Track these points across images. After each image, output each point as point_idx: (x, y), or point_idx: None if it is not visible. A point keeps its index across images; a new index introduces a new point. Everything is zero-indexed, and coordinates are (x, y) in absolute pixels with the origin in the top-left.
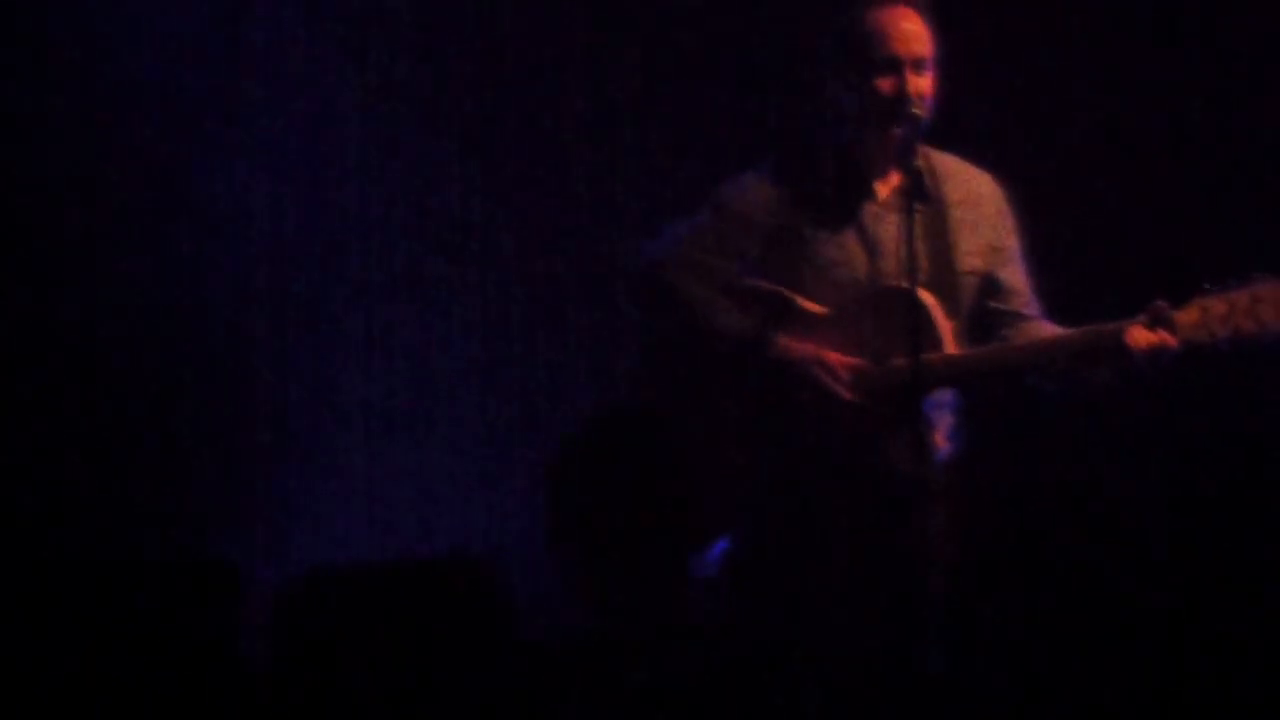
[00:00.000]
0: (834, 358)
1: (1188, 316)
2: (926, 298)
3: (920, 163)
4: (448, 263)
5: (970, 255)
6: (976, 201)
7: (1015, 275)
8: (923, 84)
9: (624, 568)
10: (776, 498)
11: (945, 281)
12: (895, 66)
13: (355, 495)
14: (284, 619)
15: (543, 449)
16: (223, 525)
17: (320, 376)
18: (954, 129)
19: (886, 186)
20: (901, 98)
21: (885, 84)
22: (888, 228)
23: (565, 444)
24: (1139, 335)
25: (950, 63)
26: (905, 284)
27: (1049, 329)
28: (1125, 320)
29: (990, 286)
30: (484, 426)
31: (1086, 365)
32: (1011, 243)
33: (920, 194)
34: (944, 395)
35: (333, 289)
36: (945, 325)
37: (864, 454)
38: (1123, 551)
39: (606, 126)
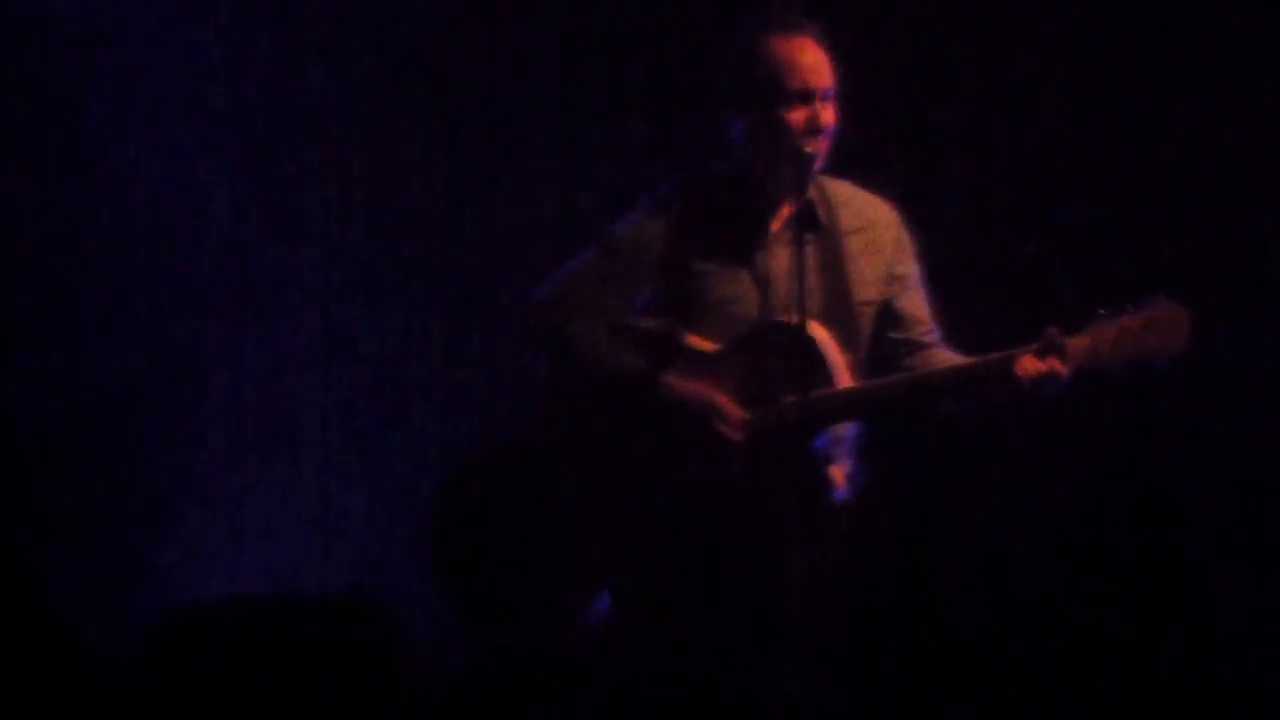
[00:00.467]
0: (722, 398)
1: (1079, 343)
2: (818, 331)
3: (815, 193)
4: (343, 297)
5: (866, 285)
6: (873, 229)
7: (913, 303)
8: (828, 115)
9: (511, 605)
10: (663, 538)
11: (841, 313)
12: (805, 98)
13: (238, 527)
14: (157, 654)
15: (431, 484)
16: (106, 553)
17: (202, 410)
18: (849, 156)
19: (780, 219)
20: (810, 129)
21: (795, 115)
22: (780, 261)
23: (451, 480)
24: (1028, 364)
25: (847, 90)
26: (794, 319)
27: (947, 357)
28: (1017, 348)
29: (888, 316)
30: (374, 459)
31: (976, 393)
32: (909, 270)
33: (812, 225)
34: (845, 432)
35: (234, 315)
36: (839, 359)
37: (753, 495)
38: (1020, 594)
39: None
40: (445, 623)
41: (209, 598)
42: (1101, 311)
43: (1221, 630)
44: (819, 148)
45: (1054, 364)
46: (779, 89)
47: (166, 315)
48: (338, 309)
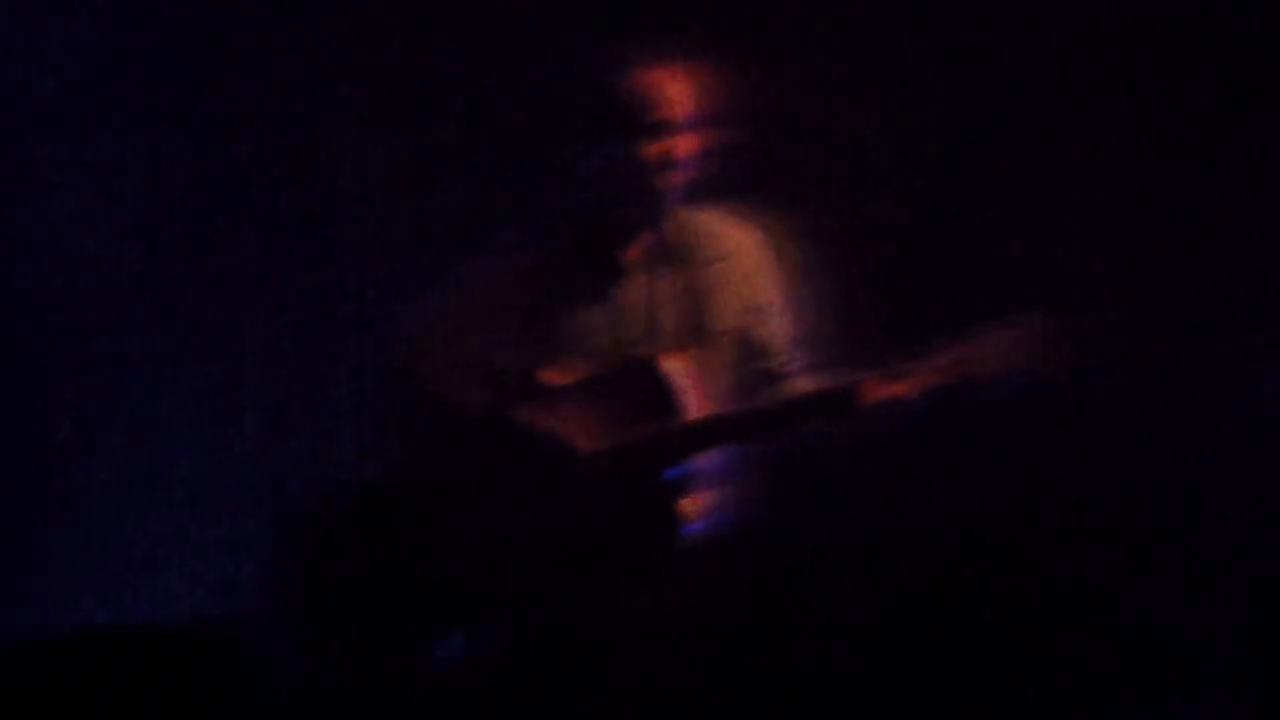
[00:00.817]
0: (575, 432)
1: (928, 365)
2: (671, 364)
3: (675, 223)
4: (190, 324)
5: (726, 315)
6: (734, 258)
7: (775, 332)
8: (688, 146)
9: (362, 640)
10: (517, 577)
11: (700, 343)
12: (663, 129)
13: (83, 557)
14: None
15: (283, 515)
16: None
17: (46, 430)
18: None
19: (637, 249)
20: (667, 162)
21: (653, 148)
22: (636, 293)
23: (305, 512)
24: (873, 389)
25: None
26: (647, 351)
27: (804, 384)
28: (863, 373)
29: (750, 345)
30: (223, 490)
31: (825, 420)
32: (772, 298)
33: (669, 255)
34: (705, 465)
35: (82, 329)
36: (693, 390)
37: (605, 531)
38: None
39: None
40: (296, 656)
41: (50, 626)
42: (947, 335)
43: (1123, 649)
44: (676, 180)
45: (901, 389)
46: (635, 121)
47: (12, 328)
48: (194, 328)
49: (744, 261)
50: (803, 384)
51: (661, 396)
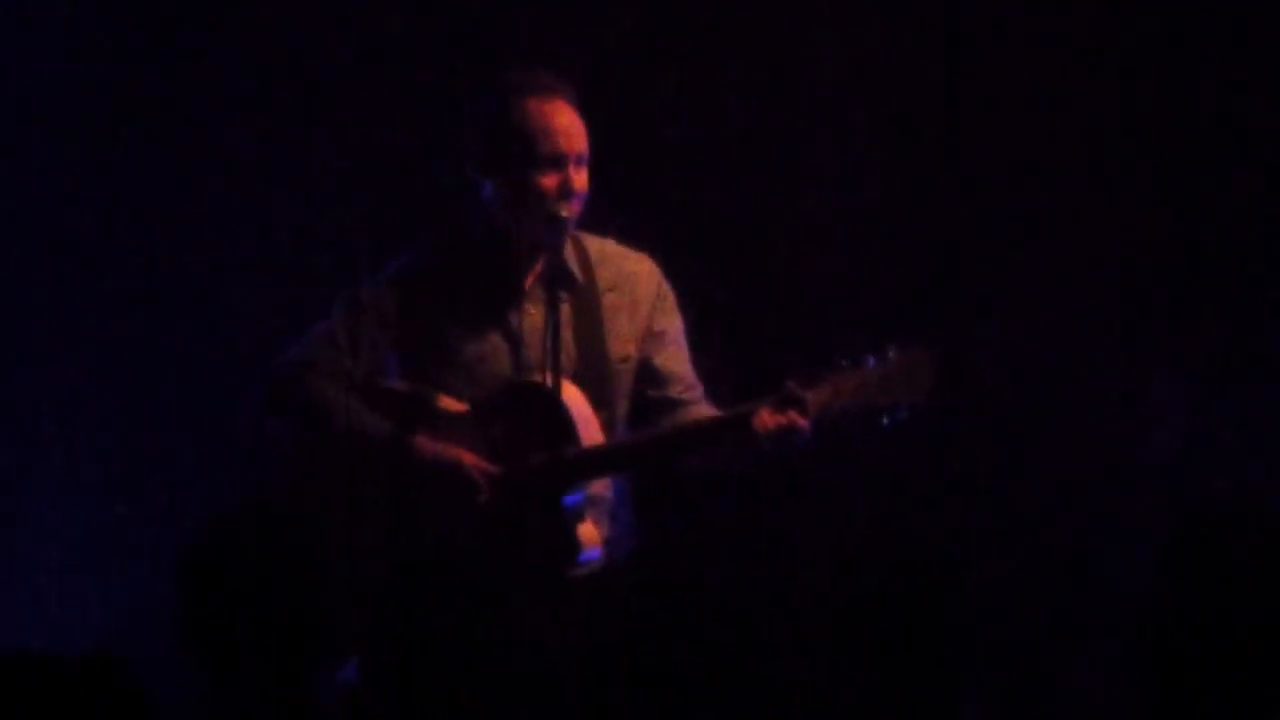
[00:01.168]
0: (469, 458)
1: (819, 395)
2: (568, 389)
3: (570, 250)
4: (91, 345)
5: (623, 341)
6: (630, 285)
7: (671, 360)
8: (581, 180)
9: (255, 670)
10: (408, 604)
11: (596, 371)
12: (558, 163)
13: None
14: None
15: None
16: None
17: None
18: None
19: (532, 277)
20: (563, 194)
21: (547, 180)
22: (532, 319)
23: (195, 541)
24: (766, 417)
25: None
26: (544, 377)
27: (701, 413)
28: (756, 402)
29: (647, 373)
30: (119, 515)
31: (718, 449)
32: (668, 325)
33: (565, 282)
34: (604, 493)
35: None
36: (590, 417)
37: (498, 556)
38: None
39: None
40: (194, 683)
41: None
42: (843, 362)
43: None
44: (572, 210)
45: (794, 417)
46: (531, 153)
47: None
48: (89, 352)
49: (641, 289)
50: (700, 412)
51: (557, 421)
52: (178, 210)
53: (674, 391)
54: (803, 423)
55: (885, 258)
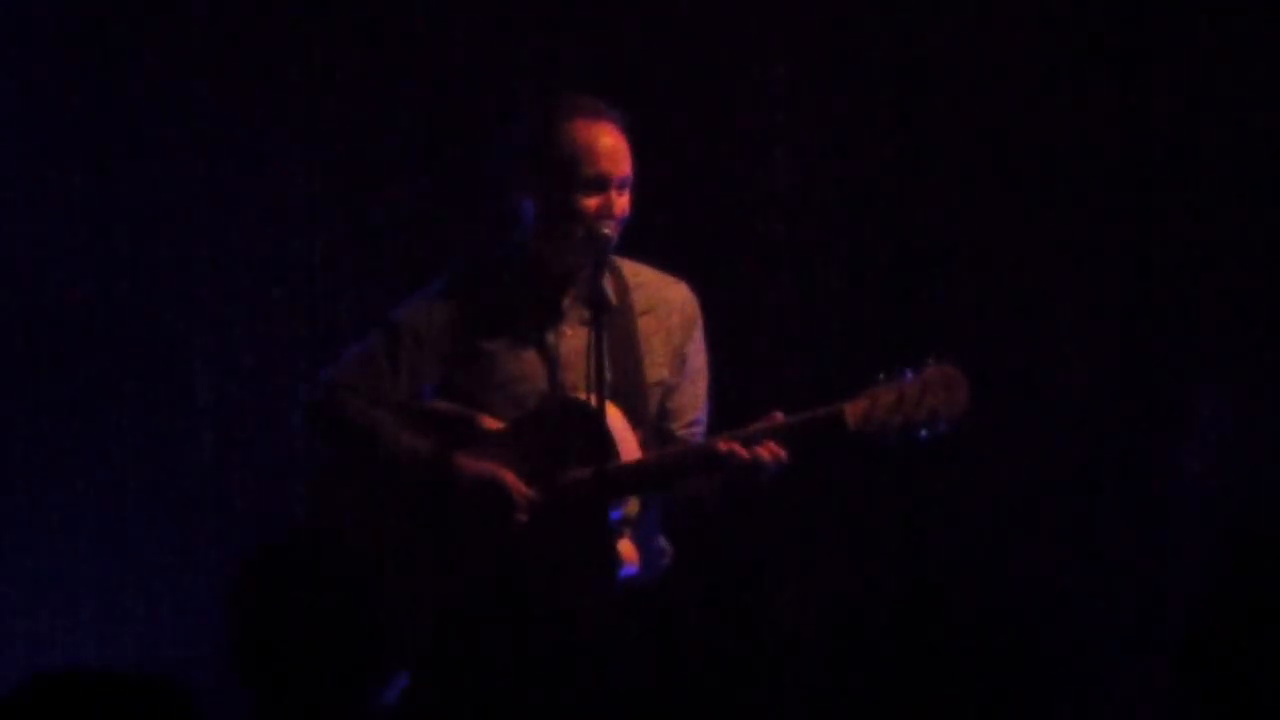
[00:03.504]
0: (509, 475)
1: (856, 409)
2: (610, 408)
3: (608, 273)
4: (137, 370)
5: (657, 365)
6: (665, 310)
7: (684, 395)
8: (624, 202)
9: (303, 694)
10: (451, 625)
11: (631, 392)
12: (602, 185)
13: (32, 602)
14: None
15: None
16: None
17: None
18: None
19: (571, 298)
20: (604, 215)
21: (590, 201)
22: (570, 340)
23: (244, 564)
24: (771, 448)
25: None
26: (587, 396)
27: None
28: (767, 424)
29: (663, 402)
30: (174, 537)
31: (743, 472)
32: (693, 354)
33: (604, 304)
34: (641, 511)
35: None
36: (628, 436)
37: (542, 572)
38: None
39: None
40: (243, 704)
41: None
42: (880, 376)
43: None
44: (613, 231)
45: (772, 449)
46: (575, 173)
47: None
48: (136, 368)
49: (675, 314)
50: (731, 435)
51: (602, 440)
52: (224, 219)
53: (676, 426)
54: (778, 456)
55: (918, 270)
